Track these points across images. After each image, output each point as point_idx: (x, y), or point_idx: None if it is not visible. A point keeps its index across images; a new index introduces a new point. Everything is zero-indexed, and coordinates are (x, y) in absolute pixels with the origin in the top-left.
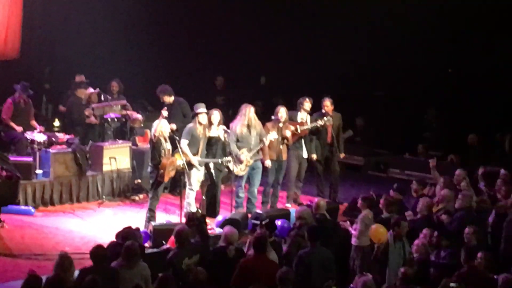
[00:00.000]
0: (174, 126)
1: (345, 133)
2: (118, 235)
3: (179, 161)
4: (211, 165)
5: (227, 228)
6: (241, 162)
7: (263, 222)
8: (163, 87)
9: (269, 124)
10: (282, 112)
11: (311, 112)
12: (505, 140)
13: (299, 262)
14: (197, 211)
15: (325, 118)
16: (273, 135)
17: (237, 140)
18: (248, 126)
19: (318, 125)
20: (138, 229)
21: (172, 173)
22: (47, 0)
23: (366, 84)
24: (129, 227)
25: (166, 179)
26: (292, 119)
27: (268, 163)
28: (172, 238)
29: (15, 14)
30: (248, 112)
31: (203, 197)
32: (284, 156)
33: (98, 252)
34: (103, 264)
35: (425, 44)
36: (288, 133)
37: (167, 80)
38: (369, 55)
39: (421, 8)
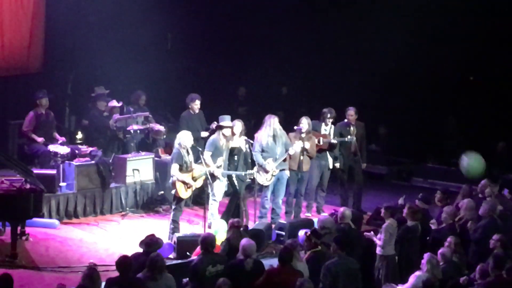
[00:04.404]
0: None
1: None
2: (141, 242)
3: (197, 171)
4: (233, 176)
5: (245, 240)
6: (267, 172)
7: (307, 233)
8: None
9: (291, 135)
10: (304, 123)
11: (334, 122)
12: None
13: (326, 272)
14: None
15: (348, 137)
16: (299, 145)
17: (262, 151)
18: (274, 137)
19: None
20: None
21: (189, 191)
22: (69, 13)
23: (388, 93)
24: (152, 235)
25: (183, 195)
26: (316, 130)
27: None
28: (198, 249)
29: (38, 27)
30: (273, 123)
31: (244, 208)
32: (305, 168)
33: (124, 262)
34: (129, 274)
35: (446, 51)
36: (307, 145)
37: (189, 91)
38: (390, 64)
39: (441, 17)
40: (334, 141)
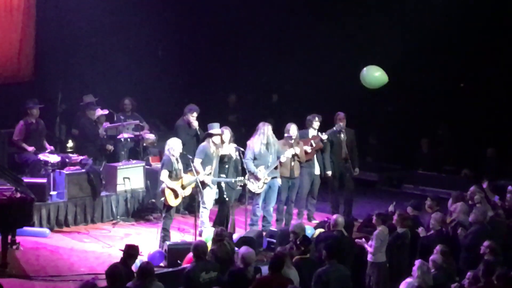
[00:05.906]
0: None
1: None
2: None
3: (186, 179)
4: (223, 184)
5: (244, 248)
6: (258, 179)
7: (298, 241)
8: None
9: (280, 142)
10: (292, 129)
11: (323, 129)
12: None
13: (317, 280)
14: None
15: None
16: (290, 152)
17: (254, 158)
18: (267, 144)
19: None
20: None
21: (179, 199)
22: (59, 21)
23: (378, 100)
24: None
25: (172, 203)
26: (303, 137)
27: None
28: (189, 257)
29: (28, 36)
30: (267, 130)
31: (231, 217)
32: (297, 173)
33: (113, 271)
34: (118, 284)
35: (436, 58)
36: (297, 150)
37: (180, 99)
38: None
39: (431, 24)
40: (324, 136)
